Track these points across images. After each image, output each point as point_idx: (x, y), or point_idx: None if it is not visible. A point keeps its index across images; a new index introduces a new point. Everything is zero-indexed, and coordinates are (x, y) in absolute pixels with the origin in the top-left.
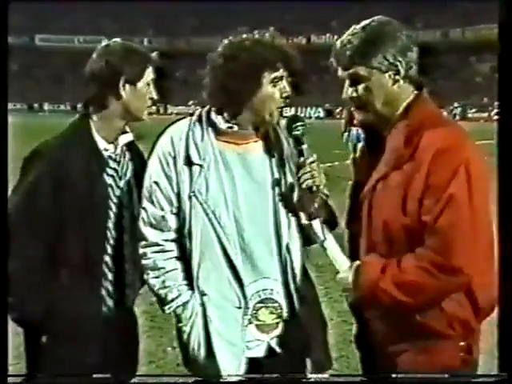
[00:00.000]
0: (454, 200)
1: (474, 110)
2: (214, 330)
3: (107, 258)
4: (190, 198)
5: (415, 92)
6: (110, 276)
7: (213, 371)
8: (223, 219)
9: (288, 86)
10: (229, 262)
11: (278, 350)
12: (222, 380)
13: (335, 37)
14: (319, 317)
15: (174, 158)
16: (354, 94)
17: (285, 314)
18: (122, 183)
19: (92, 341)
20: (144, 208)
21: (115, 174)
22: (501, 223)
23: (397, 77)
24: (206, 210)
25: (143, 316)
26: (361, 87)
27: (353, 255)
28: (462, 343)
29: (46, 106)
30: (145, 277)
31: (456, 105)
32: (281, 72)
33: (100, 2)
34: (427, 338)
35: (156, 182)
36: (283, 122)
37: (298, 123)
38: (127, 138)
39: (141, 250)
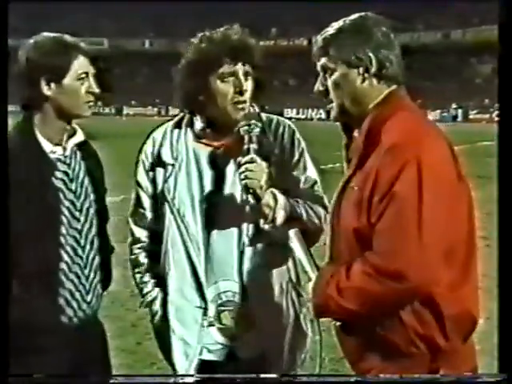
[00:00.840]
0: (397, 198)
1: (475, 112)
2: (171, 328)
3: (63, 266)
4: (161, 196)
5: (388, 90)
6: (67, 284)
7: (172, 368)
8: (187, 218)
9: (243, 79)
10: (190, 262)
11: (239, 354)
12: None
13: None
14: (286, 321)
15: (153, 157)
16: (321, 88)
17: (248, 318)
18: (73, 186)
19: (52, 352)
20: (132, 205)
21: (65, 177)
22: (501, 224)
23: (366, 74)
24: (172, 208)
25: (145, 318)
26: (329, 81)
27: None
28: (428, 365)
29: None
30: (132, 271)
31: (454, 106)
32: (229, 67)
33: (100, 3)
34: (392, 354)
35: (138, 181)
36: (265, 120)
37: (252, 122)
38: (77, 138)
39: (129, 247)
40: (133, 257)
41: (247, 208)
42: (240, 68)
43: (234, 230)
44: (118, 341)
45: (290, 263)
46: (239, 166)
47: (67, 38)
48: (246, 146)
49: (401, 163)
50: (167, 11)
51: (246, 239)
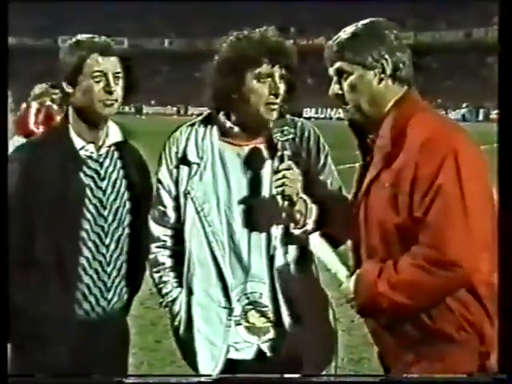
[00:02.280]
0: (442, 191)
1: (497, 111)
2: (196, 328)
3: (83, 261)
4: (185, 195)
5: (403, 91)
6: (86, 279)
7: (194, 368)
8: (212, 218)
9: (279, 82)
10: (215, 262)
11: (268, 353)
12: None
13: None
14: (319, 321)
15: (177, 155)
16: (339, 92)
17: (272, 318)
18: (104, 184)
19: (64, 344)
20: (152, 204)
21: (95, 175)
22: (501, 223)
23: (382, 75)
24: (196, 207)
25: (165, 316)
26: (346, 84)
27: (357, 264)
28: (478, 349)
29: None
30: (149, 271)
31: (464, 105)
32: (267, 68)
33: (122, 3)
34: (440, 343)
35: (159, 179)
36: (290, 123)
37: (285, 128)
38: (114, 138)
39: (148, 246)
40: (151, 256)
41: (278, 212)
42: (277, 70)
43: (263, 233)
44: (138, 339)
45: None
46: (276, 172)
47: (83, 38)
48: (279, 153)
49: (439, 157)
50: (187, 11)
51: (275, 242)
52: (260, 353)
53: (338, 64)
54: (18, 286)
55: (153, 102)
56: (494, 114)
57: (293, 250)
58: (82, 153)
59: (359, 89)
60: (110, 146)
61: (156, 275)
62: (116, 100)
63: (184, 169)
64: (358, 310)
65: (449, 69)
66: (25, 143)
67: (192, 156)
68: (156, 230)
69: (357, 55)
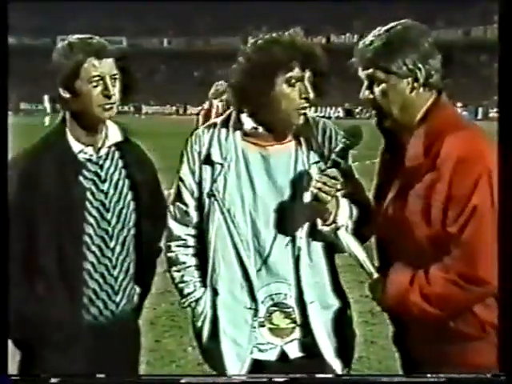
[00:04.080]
0: (478, 211)
1: (496, 110)
2: (222, 329)
3: (88, 266)
4: (209, 195)
5: (433, 97)
6: (91, 283)
7: (219, 369)
8: (238, 219)
9: (309, 86)
10: (241, 263)
11: (291, 355)
12: (230, 380)
13: (355, 36)
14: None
15: (200, 155)
16: (370, 96)
17: (298, 320)
18: (105, 186)
19: (74, 349)
20: (172, 202)
21: (96, 178)
22: (501, 222)
23: (415, 84)
24: (222, 208)
25: (164, 315)
26: (377, 90)
27: (381, 261)
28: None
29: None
30: (168, 269)
31: (459, 105)
32: (297, 72)
33: (120, 3)
34: (463, 341)
35: (181, 178)
36: (312, 123)
37: (353, 138)
38: (114, 139)
39: (166, 243)
40: (171, 254)
41: (305, 214)
42: (307, 74)
43: (289, 234)
44: (141, 337)
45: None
46: (321, 172)
47: (78, 40)
48: (333, 157)
49: (475, 177)
50: (186, 10)
51: (301, 243)
52: (283, 354)
53: (370, 70)
54: (23, 295)
55: (152, 102)
56: (492, 113)
57: (318, 248)
58: (81, 156)
59: (391, 96)
60: (109, 147)
61: (177, 274)
62: (114, 103)
63: (207, 169)
64: (385, 309)
65: (448, 67)
66: (22, 150)
67: (216, 156)
68: (176, 228)
69: (391, 64)
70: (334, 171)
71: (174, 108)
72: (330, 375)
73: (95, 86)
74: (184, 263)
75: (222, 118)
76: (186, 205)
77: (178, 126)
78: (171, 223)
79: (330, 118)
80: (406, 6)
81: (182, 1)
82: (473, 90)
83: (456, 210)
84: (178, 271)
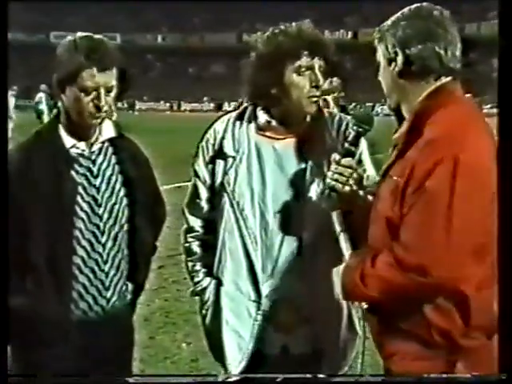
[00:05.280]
0: (428, 193)
1: (489, 106)
2: (225, 320)
3: (78, 260)
4: (220, 188)
5: (436, 85)
6: (81, 278)
7: (219, 359)
8: (246, 211)
9: (319, 74)
10: (247, 255)
11: (293, 350)
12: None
13: (349, 33)
14: (345, 319)
15: (214, 147)
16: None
17: (303, 315)
18: (97, 181)
19: (61, 344)
20: (188, 194)
21: (88, 173)
22: (501, 223)
23: (396, 68)
24: (231, 200)
25: (158, 312)
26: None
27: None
28: (446, 357)
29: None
30: (185, 260)
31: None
32: (307, 60)
33: None
34: (413, 342)
35: (196, 172)
36: (328, 117)
37: (364, 125)
38: (107, 134)
39: (183, 234)
40: (186, 245)
41: (320, 203)
42: (316, 62)
43: (295, 228)
44: (134, 334)
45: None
46: (336, 163)
47: (84, 40)
48: (346, 146)
49: (436, 159)
50: (180, 6)
51: (307, 237)
52: (285, 348)
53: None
54: (12, 288)
55: (145, 98)
56: (486, 109)
57: (323, 244)
58: (73, 151)
59: (381, 77)
60: (103, 143)
61: (190, 264)
62: (105, 112)
63: (220, 162)
64: (341, 294)
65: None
66: (15, 145)
67: (228, 149)
68: (191, 220)
69: (379, 45)
70: (349, 160)
71: (167, 104)
72: (322, 375)
73: (88, 95)
74: (196, 253)
75: (237, 111)
76: (199, 197)
77: (171, 122)
78: (187, 215)
79: None
80: (401, 3)
81: None
82: (466, 85)
83: (410, 191)
84: (192, 261)
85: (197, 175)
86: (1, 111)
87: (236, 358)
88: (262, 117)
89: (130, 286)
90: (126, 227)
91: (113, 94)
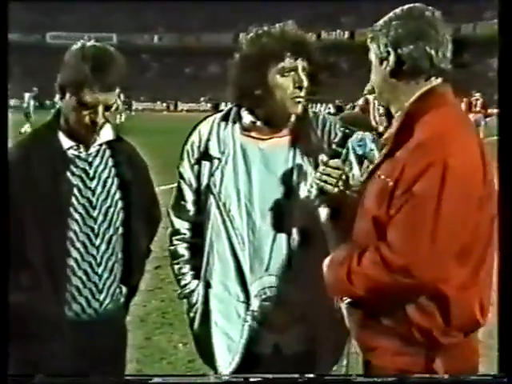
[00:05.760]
0: (417, 196)
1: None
2: (214, 322)
3: (72, 262)
4: (206, 189)
5: (427, 87)
6: (74, 280)
7: (209, 362)
8: (233, 212)
9: (303, 76)
10: (234, 256)
11: (284, 349)
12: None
13: (345, 33)
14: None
15: (199, 149)
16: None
17: (294, 313)
18: (93, 184)
19: (53, 345)
20: (173, 197)
21: (84, 175)
22: (501, 223)
23: (388, 68)
24: (218, 202)
25: (154, 312)
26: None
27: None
28: (425, 352)
29: (58, 103)
30: (171, 263)
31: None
32: (290, 62)
33: None
34: (393, 337)
35: (181, 174)
36: (312, 117)
37: (352, 126)
38: (105, 136)
39: (169, 238)
40: (172, 248)
41: (306, 204)
42: (300, 63)
43: (283, 227)
44: (127, 336)
45: None
46: (324, 164)
47: (93, 52)
48: (334, 148)
49: (426, 163)
50: (177, 6)
51: (295, 235)
52: (276, 348)
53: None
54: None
55: (142, 98)
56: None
57: (312, 241)
58: (70, 152)
59: (373, 76)
60: (100, 145)
61: (176, 267)
62: (101, 127)
63: (206, 163)
64: (327, 289)
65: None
66: (13, 144)
67: (214, 151)
68: (177, 223)
69: (371, 45)
70: (336, 161)
71: (164, 104)
72: (311, 375)
73: (86, 109)
74: (182, 256)
75: (222, 113)
76: (184, 200)
77: (168, 122)
78: (172, 218)
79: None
80: (397, 3)
81: None
82: (462, 86)
83: (399, 193)
84: (178, 264)
85: (182, 177)
86: (1, 112)
87: (226, 359)
88: (247, 117)
89: (124, 289)
90: (120, 230)
91: (112, 109)
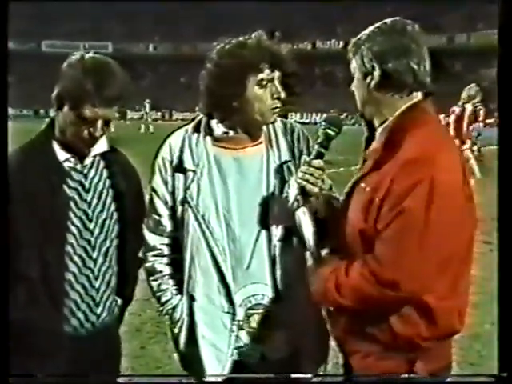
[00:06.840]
0: (406, 212)
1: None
2: (200, 334)
3: (69, 276)
4: (182, 203)
5: (412, 102)
6: (72, 295)
7: (199, 374)
8: (212, 224)
9: (279, 87)
10: (217, 267)
11: (270, 356)
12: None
13: (340, 42)
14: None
15: (171, 163)
16: (352, 89)
17: (279, 320)
18: (89, 196)
19: (52, 359)
20: (146, 213)
21: (79, 187)
22: (501, 227)
23: (373, 82)
24: (196, 214)
25: (149, 322)
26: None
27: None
28: (406, 355)
29: (52, 112)
30: (147, 280)
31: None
32: (268, 73)
33: (106, 7)
34: (375, 342)
35: (154, 188)
36: (281, 124)
37: (334, 127)
38: (100, 148)
39: (143, 254)
40: (148, 264)
41: (281, 211)
42: (276, 74)
43: (263, 234)
44: (122, 345)
45: None
46: (308, 165)
47: (93, 64)
48: (317, 148)
49: (415, 180)
50: (172, 15)
51: (276, 242)
52: (263, 356)
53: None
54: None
55: (137, 107)
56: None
57: (294, 247)
58: (66, 164)
59: (356, 90)
60: (95, 156)
61: (154, 283)
62: (98, 139)
63: (180, 177)
64: (312, 295)
65: (431, 73)
66: (12, 152)
67: (188, 163)
68: (152, 238)
69: (354, 58)
70: (319, 162)
71: (159, 113)
72: (302, 375)
73: (84, 124)
74: (160, 272)
75: (192, 124)
76: (159, 215)
77: (163, 131)
78: (146, 234)
79: (315, 123)
80: (392, 12)
81: (168, 0)
82: (457, 96)
83: (387, 208)
84: (156, 280)
85: (155, 193)
86: (1, 113)
87: (216, 370)
88: (219, 129)
89: (119, 301)
90: (115, 242)
91: (111, 123)
